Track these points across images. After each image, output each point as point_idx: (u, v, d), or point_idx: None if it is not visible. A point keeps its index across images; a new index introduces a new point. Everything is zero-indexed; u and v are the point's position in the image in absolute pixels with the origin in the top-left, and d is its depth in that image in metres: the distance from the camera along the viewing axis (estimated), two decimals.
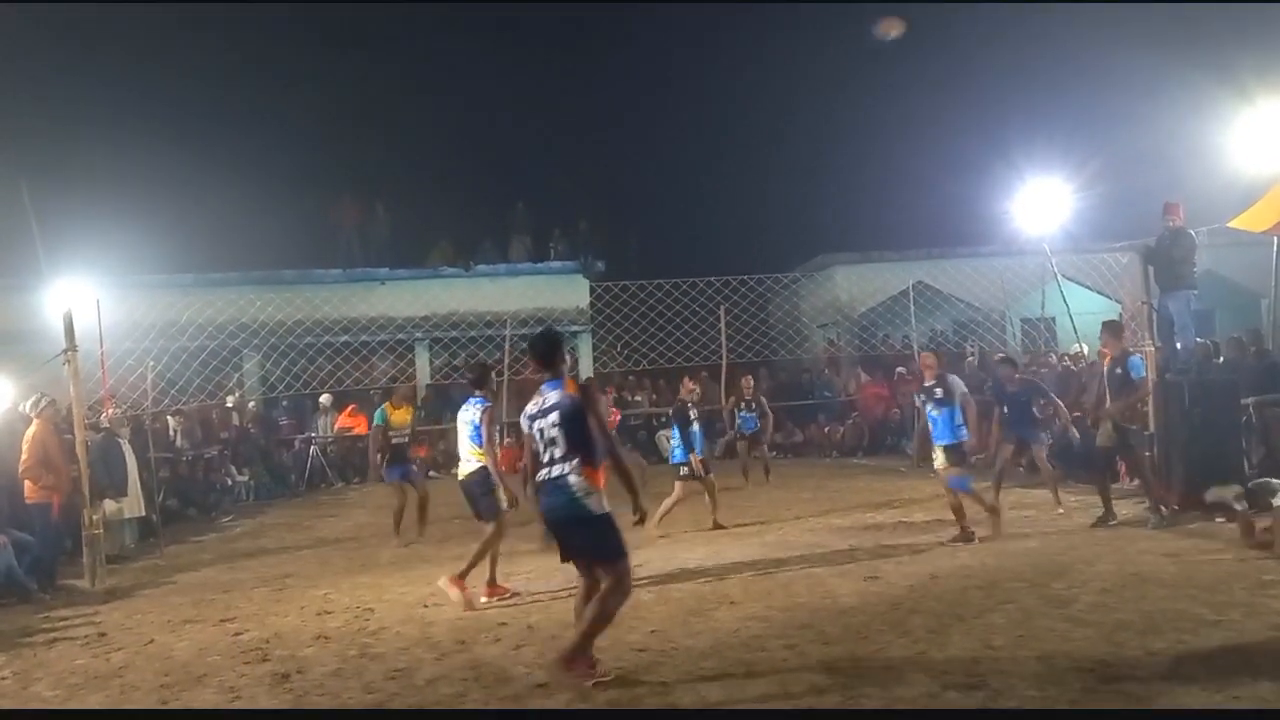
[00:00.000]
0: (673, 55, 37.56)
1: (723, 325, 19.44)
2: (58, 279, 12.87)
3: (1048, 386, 15.40)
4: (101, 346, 13.01)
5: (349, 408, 19.94)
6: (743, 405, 15.21)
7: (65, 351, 10.30)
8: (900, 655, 6.00)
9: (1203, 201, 13.17)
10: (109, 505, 11.50)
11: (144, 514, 12.62)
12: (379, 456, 12.00)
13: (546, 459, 5.80)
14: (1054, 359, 17.33)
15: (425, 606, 8.06)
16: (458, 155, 32.33)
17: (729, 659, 6.12)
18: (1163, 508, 10.33)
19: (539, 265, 24.27)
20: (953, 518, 9.70)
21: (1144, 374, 10.34)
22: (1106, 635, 6.10)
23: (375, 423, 12.26)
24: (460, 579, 8.04)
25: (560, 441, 5.75)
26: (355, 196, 24.00)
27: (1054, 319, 19.44)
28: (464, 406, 8.63)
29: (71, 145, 26.15)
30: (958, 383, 9.97)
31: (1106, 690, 5.16)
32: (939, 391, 9.75)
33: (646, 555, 9.73)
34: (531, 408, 5.95)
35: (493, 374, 9.66)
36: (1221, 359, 12.73)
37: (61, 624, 8.41)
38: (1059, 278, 15.11)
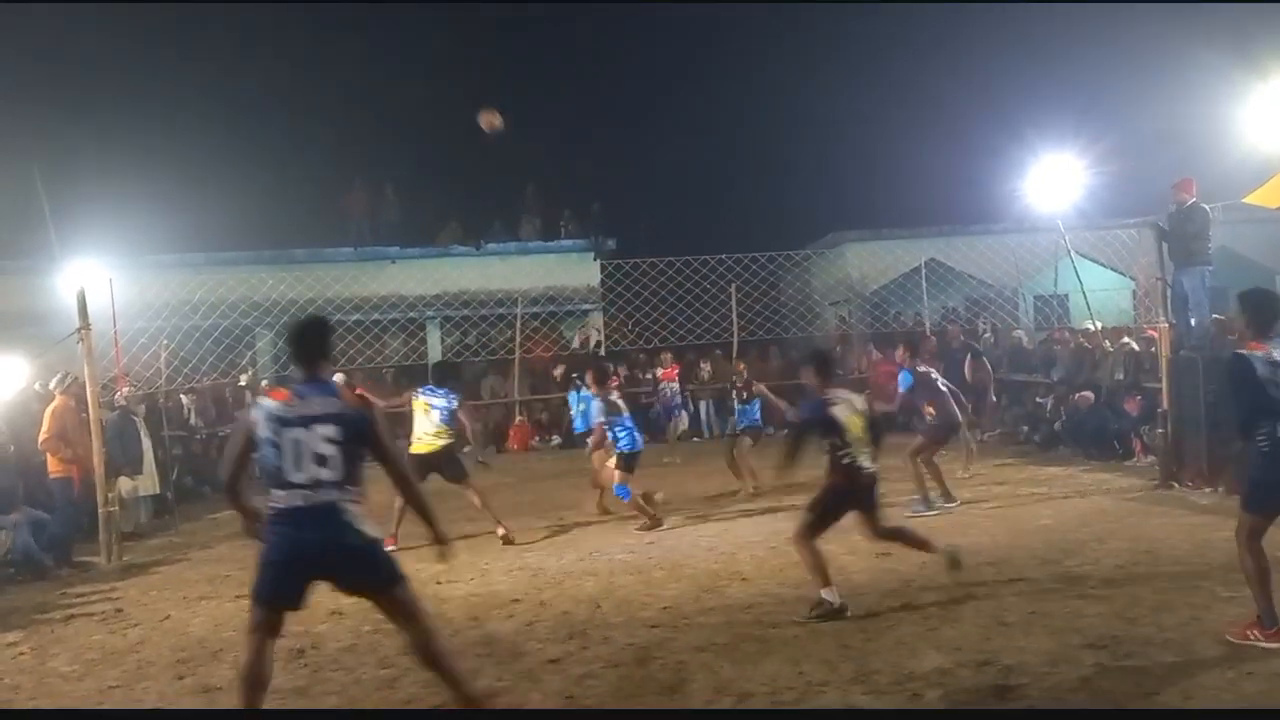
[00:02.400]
0: (684, 34, 37.40)
1: (734, 303, 19.39)
2: (71, 260, 12.89)
3: (1061, 363, 15.42)
4: (115, 326, 13.04)
5: (360, 387, 19.99)
6: (734, 393, 12.60)
7: (79, 330, 10.35)
8: (912, 631, 6.02)
9: (1217, 177, 13.05)
10: (124, 483, 11.57)
11: (159, 491, 12.68)
12: None
13: (303, 479, 4.50)
14: (1067, 335, 17.26)
15: (438, 583, 8.09)
16: (467, 135, 32.28)
17: (742, 635, 6.15)
18: (1174, 484, 10.38)
19: (550, 244, 24.20)
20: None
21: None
22: (1119, 612, 6.10)
23: None
24: (504, 527, 9.81)
25: (336, 461, 4.53)
26: (365, 183, 23.98)
27: (1067, 296, 19.36)
28: (431, 394, 10.01)
29: (83, 128, 26.25)
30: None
31: (1118, 667, 5.16)
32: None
33: (658, 532, 9.77)
34: (278, 407, 4.60)
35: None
36: (1237, 335, 12.62)
37: (78, 600, 8.48)
38: (1072, 254, 15.03)
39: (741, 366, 13.31)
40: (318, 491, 4.51)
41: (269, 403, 4.66)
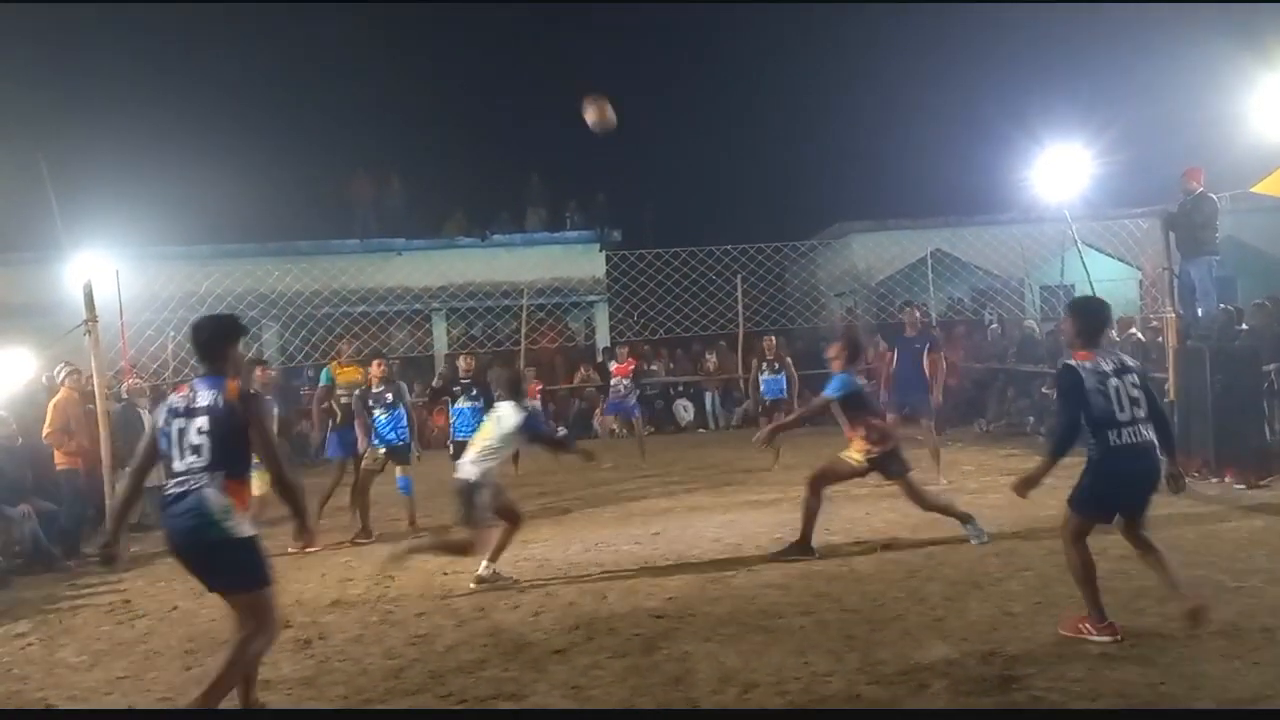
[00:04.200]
0: (688, 24, 37.30)
1: (739, 294, 19.40)
2: (77, 252, 12.92)
3: (1064, 353, 15.36)
4: (121, 318, 13.08)
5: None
6: (764, 367, 13.45)
7: (86, 322, 10.36)
8: (918, 622, 6.01)
9: (1225, 166, 13.02)
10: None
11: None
12: (328, 421, 10.69)
13: (181, 467, 4.72)
14: None
15: (445, 574, 8.11)
16: (472, 126, 32.28)
17: (747, 626, 6.15)
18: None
19: (555, 235, 24.25)
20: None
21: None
22: (1125, 603, 6.09)
23: (320, 383, 11.21)
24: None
25: (205, 450, 4.70)
26: (370, 171, 24.01)
27: (1073, 286, 19.30)
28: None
29: (89, 119, 26.27)
30: (404, 388, 10.66)
31: (1124, 657, 5.16)
32: (389, 396, 10.30)
33: (664, 523, 9.78)
34: (177, 400, 4.87)
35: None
36: (1245, 325, 12.61)
37: (86, 591, 8.51)
38: (1079, 245, 14.98)
39: (772, 340, 14.12)
40: (188, 479, 4.71)
41: (172, 396, 4.94)
